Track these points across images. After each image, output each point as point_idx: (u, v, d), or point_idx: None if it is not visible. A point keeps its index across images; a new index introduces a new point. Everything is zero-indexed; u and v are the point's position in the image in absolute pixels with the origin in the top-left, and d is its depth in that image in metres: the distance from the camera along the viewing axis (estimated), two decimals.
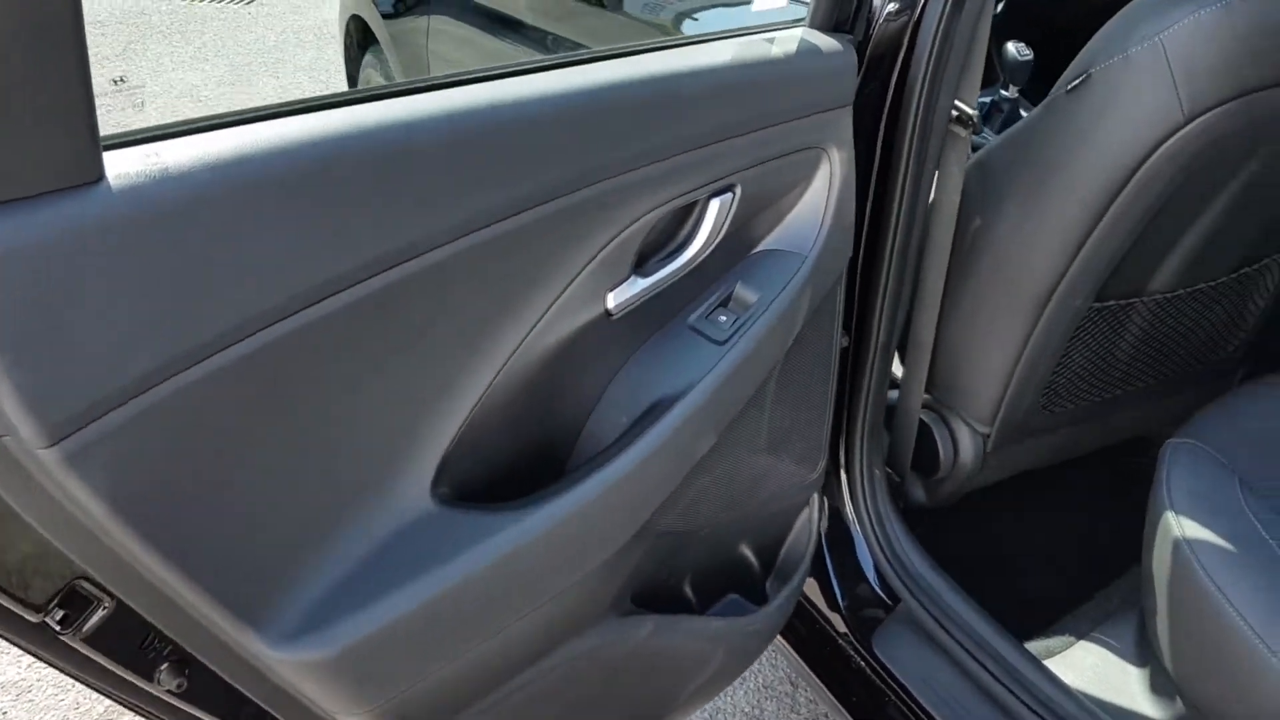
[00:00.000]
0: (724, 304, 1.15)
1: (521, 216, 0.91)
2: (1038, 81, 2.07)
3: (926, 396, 1.63)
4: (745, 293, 1.15)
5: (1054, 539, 1.81)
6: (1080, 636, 1.52)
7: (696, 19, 2.07)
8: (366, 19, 2.63)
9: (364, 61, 2.77)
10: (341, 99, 0.84)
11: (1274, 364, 1.92)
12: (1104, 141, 1.31)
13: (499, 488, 1.03)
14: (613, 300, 1.04)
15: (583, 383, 1.08)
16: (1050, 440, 1.72)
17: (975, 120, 1.35)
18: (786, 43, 1.11)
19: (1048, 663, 1.47)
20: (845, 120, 1.18)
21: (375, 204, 0.80)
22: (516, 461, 1.05)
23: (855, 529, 1.57)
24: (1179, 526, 1.30)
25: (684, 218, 1.09)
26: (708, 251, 1.10)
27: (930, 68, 1.27)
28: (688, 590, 1.33)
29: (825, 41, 1.14)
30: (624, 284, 1.05)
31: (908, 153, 1.32)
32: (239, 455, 0.79)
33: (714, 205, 1.09)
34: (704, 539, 1.29)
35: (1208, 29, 1.23)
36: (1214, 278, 1.57)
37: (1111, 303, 1.50)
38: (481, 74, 0.92)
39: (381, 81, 2.74)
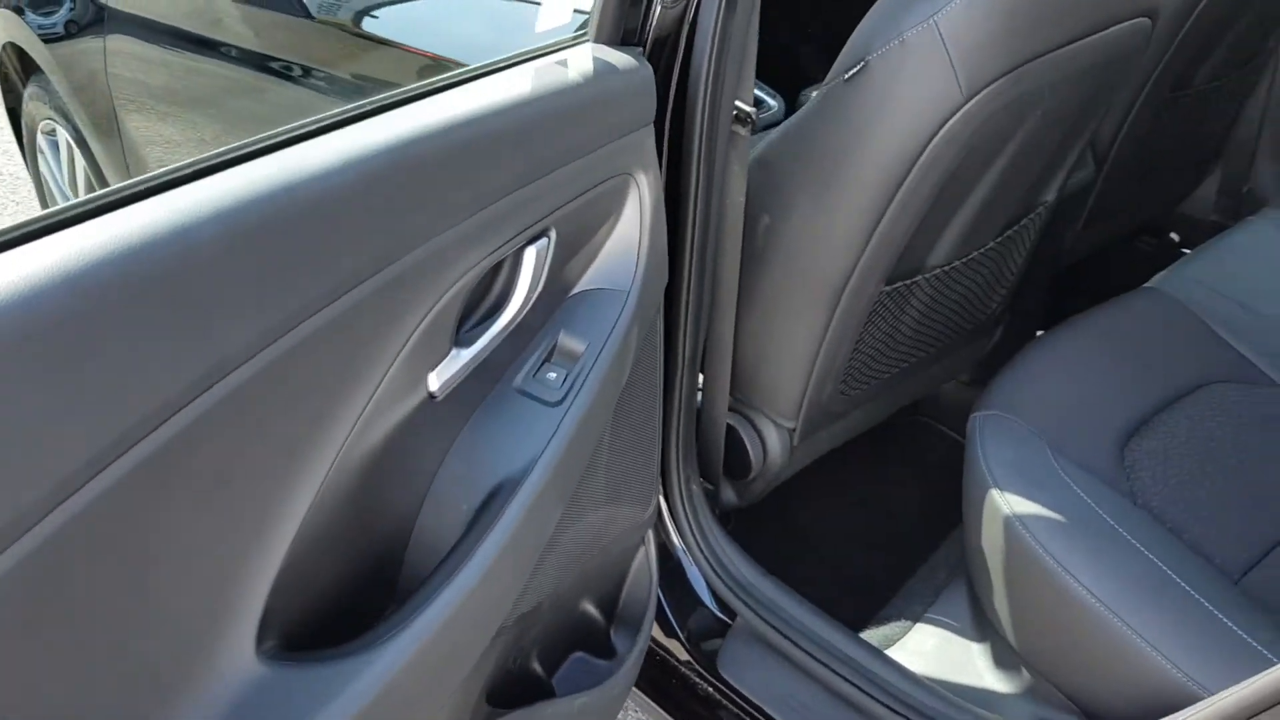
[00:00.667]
0: (549, 358, 1.03)
1: (324, 312, 0.76)
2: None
3: (730, 400, 1.58)
4: (571, 342, 1.03)
5: (860, 517, 1.82)
6: (915, 619, 1.53)
7: (377, 16, 1.90)
8: (23, 44, 2.28)
9: (27, 94, 2.40)
10: (78, 210, 0.65)
11: (1027, 316, 2.01)
12: (888, 128, 1.29)
13: (338, 623, 0.87)
14: (435, 381, 0.90)
15: (412, 481, 0.93)
16: (846, 422, 1.72)
17: (754, 118, 1.28)
18: (579, 64, 1.00)
19: (890, 652, 1.47)
20: (649, 141, 1.08)
21: (142, 342, 0.63)
22: (352, 588, 0.89)
23: (681, 551, 1.50)
24: (1006, 503, 1.31)
25: (498, 274, 0.96)
26: (529, 307, 0.97)
27: (711, 69, 1.19)
28: (535, 665, 1.22)
29: (619, 58, 1.04)
30: (445, 360, 0.91)
31: (697, 159, 1.24)
32: (23, 666, 0.61)
33: (529, 255, 0.96)
34: (546, 609, 1.18)
35: (980, 6, 1.22)
36: (983, 244, 1.59)
37: (898, 284, 1.50)
38: (251, 147, 0.75)
39: (50, 112, 2.38)
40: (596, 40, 1.05)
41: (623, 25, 1.06)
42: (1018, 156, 1.45)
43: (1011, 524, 1.29)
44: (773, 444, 1.59)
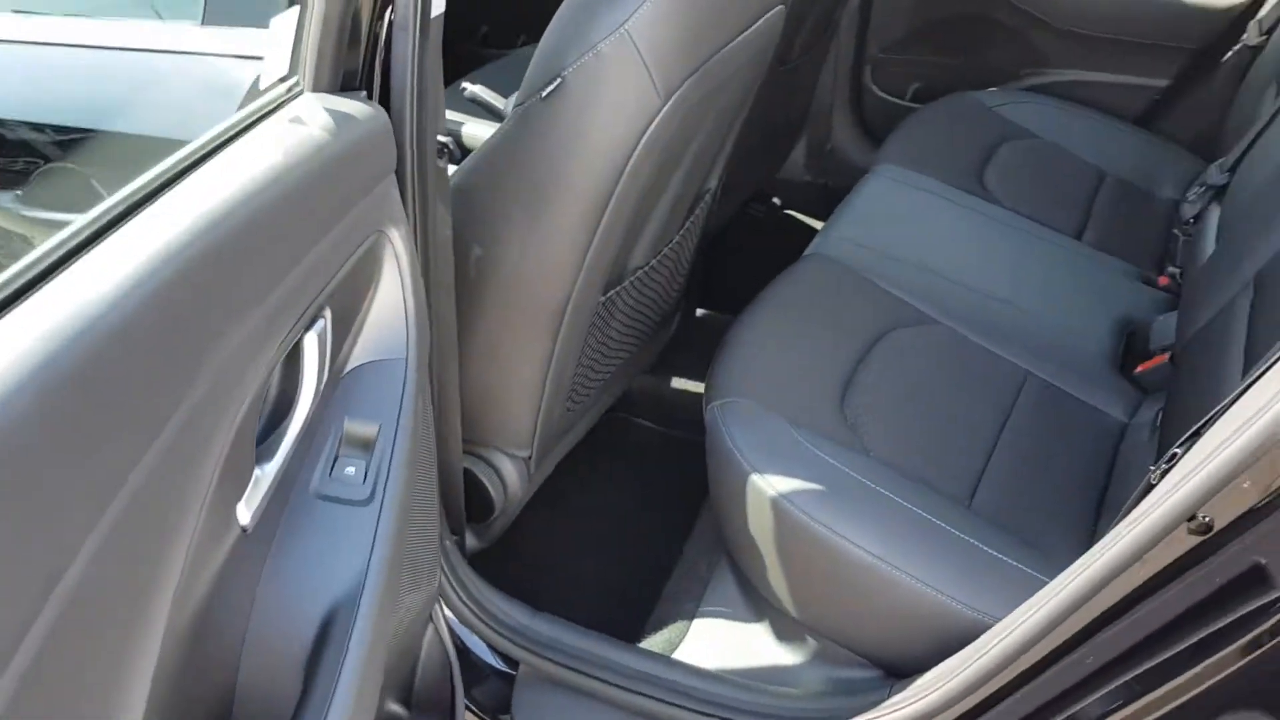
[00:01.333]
0: (340, 451, 0.91)
1: (127, 486, 0.61)
2: None
3: (462, 442, 1.50)
4: (360, 428, 0.92)
5: (596, 527, 1.80)
6: (691, 617, 1.54)
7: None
8: None
9: None
10: None
11: (688, 296, 2.08)
12: (594, 141, 1.27)
13: None
14: (245, 513, 0.77)
15: (229, 635, 0.79)
16: (570, 435, 1.69)
17: (451, 148, 1.21)
18: (310, 120, 0.88)
19: (677, 655, 1.47)
20: (394, 192, 0.98)
21: None
22: None
23: (451, 611, 1.40)
24: (769, 485, 1.34)
25: (279, 372, 0.83)
26: (318, 400, 0.85)
27: (414, 103, 1.11)
28: None
29: (352, 106, 0.93)
30: (250, 486, 0.77)
31: (412, 199, 1.15)
32: None
33: (310, 344, 0.84)
34: None
35: (665, 11, 1.22)
36: (671, 239, 1.63)
37: (610, 292, 1.49)
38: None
39: None
40: (315, 89, 0.93)
41: (342, 68, 0.95)
42: (700, 152, 1.48)
43: (779, 503, 1.33)
44: (511, 478, 1.53)
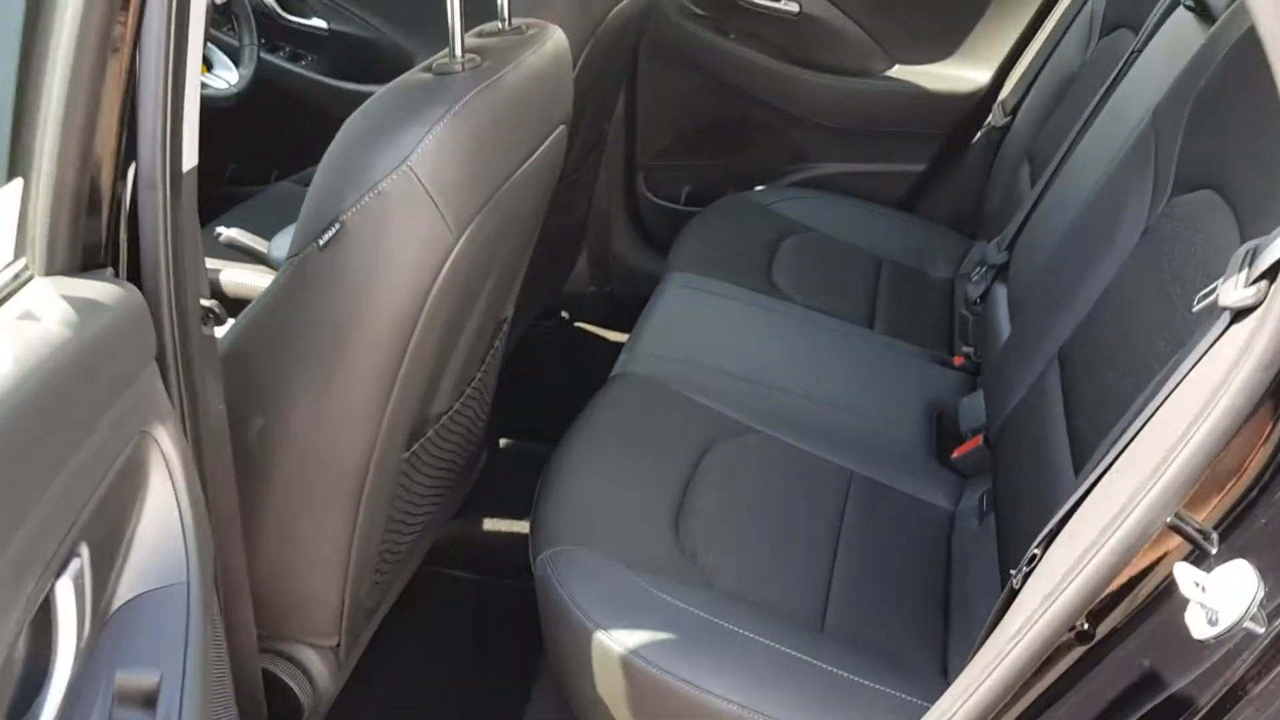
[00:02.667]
0: (112, 715, 0.73)
1: None
2: None
3: (258, 641, 1.31)
4: (137, 680, 0.74)
5: (421, 705, 1.62)
6: None
7: None
8: None
9: None
10: None
11: (491, 432, 1.96)
12: (384, 289, 1.14)
13: None
14: None
15: None
16: (380, 610, 1.52)
17: (216, 311, 1.06)
18: (48, 314, 0.72)
19: None
20: (156, 382, 0.82)
21: None
22: None
23: None
24: (616, 641, 1.23)
25: (32, 630, 0.66)
26: (82, 655, 0.68)
27: (171, 272, 0.95)
28: None
29: (97, 289, 0.77)
30: None
31: (178, 381, 0.99)
32: None
33: (64, 591, 0.67)
34: None
35: (448, 144, 1.13)
36: (474, 377, 1.51)
37: (414, 446, 1.35)
38: None
39: None
40: (49, 273, 0.77)
41: (81, 243, 0.79)
42: (498, 284, 1.38)
43: (630, 661, 1.22)
44: (320, 673, 1.35)
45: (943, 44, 2.37)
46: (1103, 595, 0.93)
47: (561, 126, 1.42)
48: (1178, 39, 1.55)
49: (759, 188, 2.40)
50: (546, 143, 1.36)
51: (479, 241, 1.20)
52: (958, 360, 1.90)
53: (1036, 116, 2.11)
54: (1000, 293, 1.75)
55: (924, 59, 2.38)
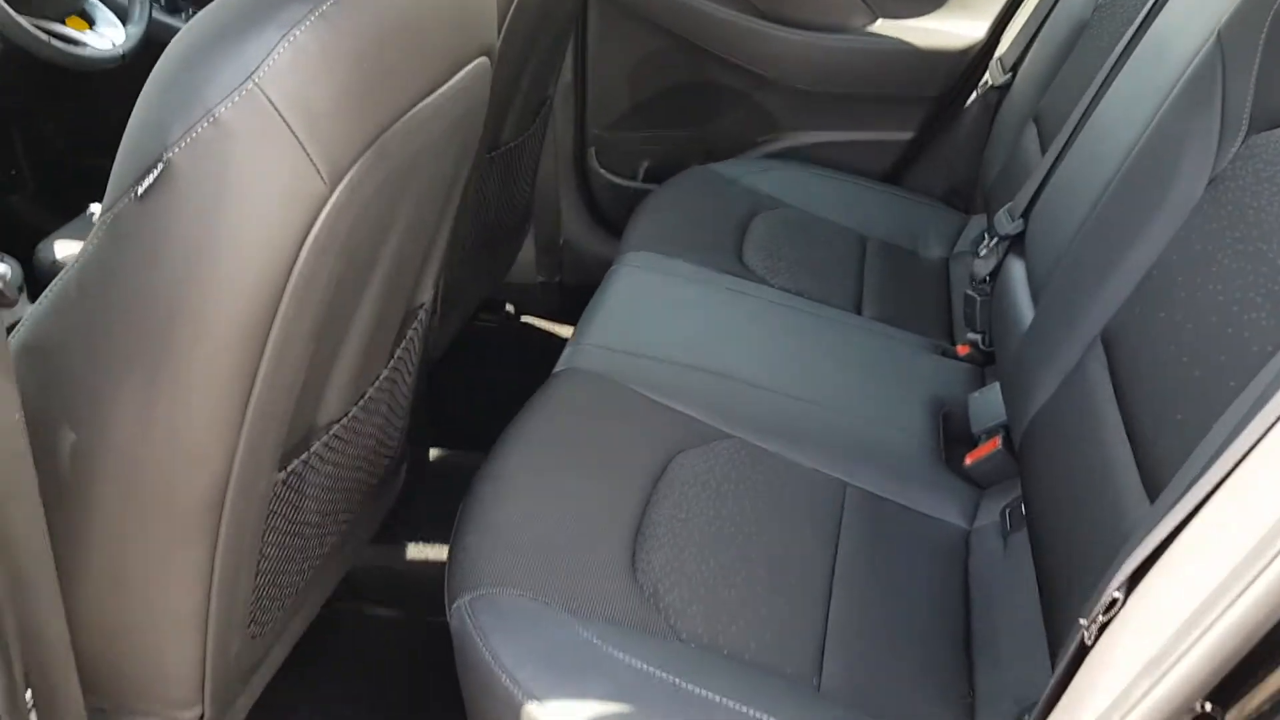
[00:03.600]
0: None
1: None
2: None
3: (91, 715, 1.00)
4: None
5: None
6: None
7: None
8: None
9: None
10: None
11: (419, 444, 1.67)
12: (230, 253, 0.84)
13: None
14: None
15: None
16: (265, 665, 1.22)
17: (5, 286, 0.77)
18: None
19: None
20: None
21: None
22: None
23: None
24: (552, 714, 0.94)
25: None
26: None
27: None
28: None
29: None
30: None
31: None
32: None
33: None
34: None
35: (314, 57, 0.83)
36: (376, 377, 1.21)
37: (294, 463, 1.05)
38: None
39: None
40: None
41: None
42: (400, 256, 1.09)
43: None
44: None
45: None
46: (1233, 668, 0.66)
47: (482, 59, 1.13)
48: None
49: (726, 161, 2.12)
50: (460, 75, 1.06)
51: (365, 195, 0.91)
52: (962, 349, 1.63)
53: (1042, 72, 1.84)
54: (1016, 268, 1.48)
55: (911, 13, 2.11)
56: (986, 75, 2.04)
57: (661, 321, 1.54)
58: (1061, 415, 1.18)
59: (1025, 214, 1.51)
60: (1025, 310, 1.39)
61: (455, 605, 1.05)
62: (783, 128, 2.19)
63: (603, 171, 2.29)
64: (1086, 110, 1.46)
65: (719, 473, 1.27)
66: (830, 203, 1.99)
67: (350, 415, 1.16)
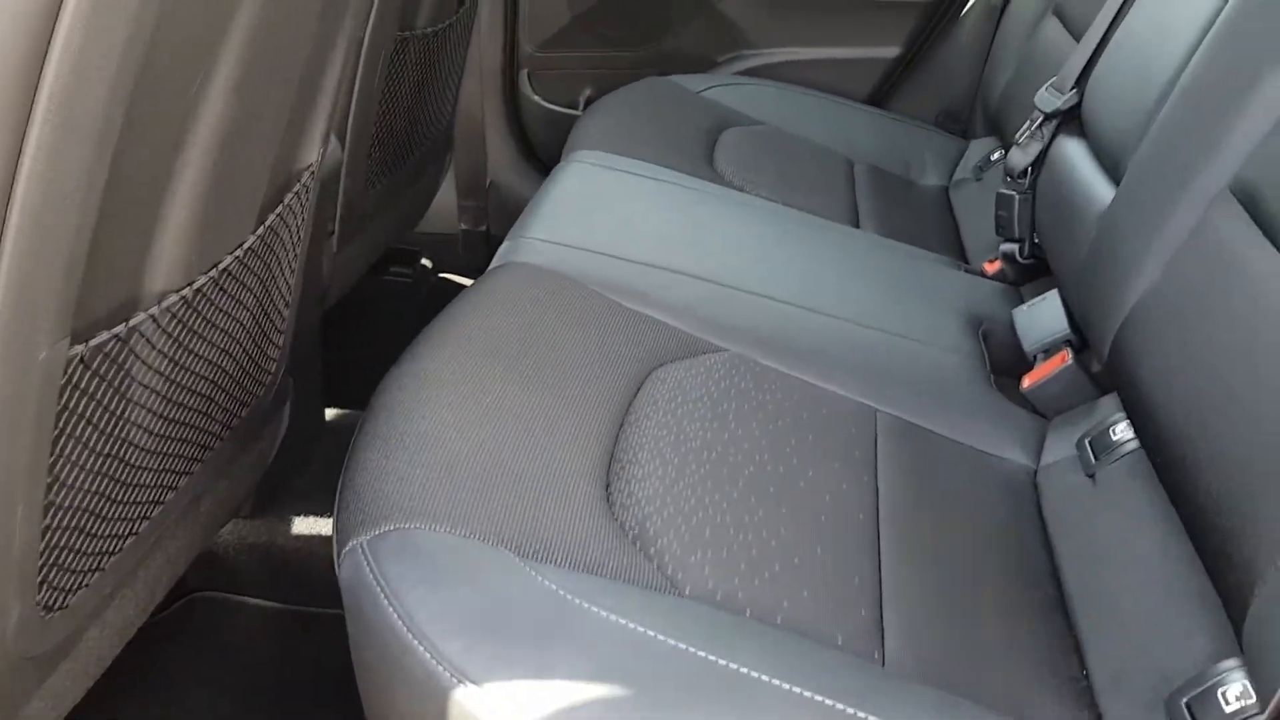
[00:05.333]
0: None
1: None
2: None
3: None
4: None
5: None
6: None
7: None
8: None
9: None
10: None
11: (310, 395, 1.31)
12: None
13: None
14: None
15: None
16: (73, 668, 0.84)
17: None
18: None
19: None
20: None
21: None
22: None
23: None
24: (495, 707, 0.59)
25: None
26: None
27: None
28: None
29: None
30: None
31: None
32: None
33: None
34: None
35: None
36: (242, 241, 0.85)
37: (105, 338, 0.69)
38: None
39: None
40: None
41: None
42: (257, 62, 0.74)
43: None
44: None
45: None
46: None
47: None
48: None
49: (688, 75, 1.80)
50: None
51: None
52: (990, 266, 1.33)
53: None
54: (1073, 149, 1.18)
55: None
56: None
57: (625, 219, 1.21)
58: (1187, 296, 0.87)
59: (1078, 85, 1.21)
60: (1093, 186, 1.09)
61: (347, 549, 0.70)
62: (748, 43, 1.89)
63: (537, 98, 1.95)
64: None
65: (714, 391, 0.94)
66: (810, 122, 1.69)
67: (196, 287, 0.80)
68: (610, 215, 1.20)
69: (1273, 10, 0.92)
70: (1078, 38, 1.42)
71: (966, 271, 1.33)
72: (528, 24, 1.89)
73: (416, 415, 0.83)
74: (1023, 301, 1.29)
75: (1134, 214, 0.97)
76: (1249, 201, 0.85)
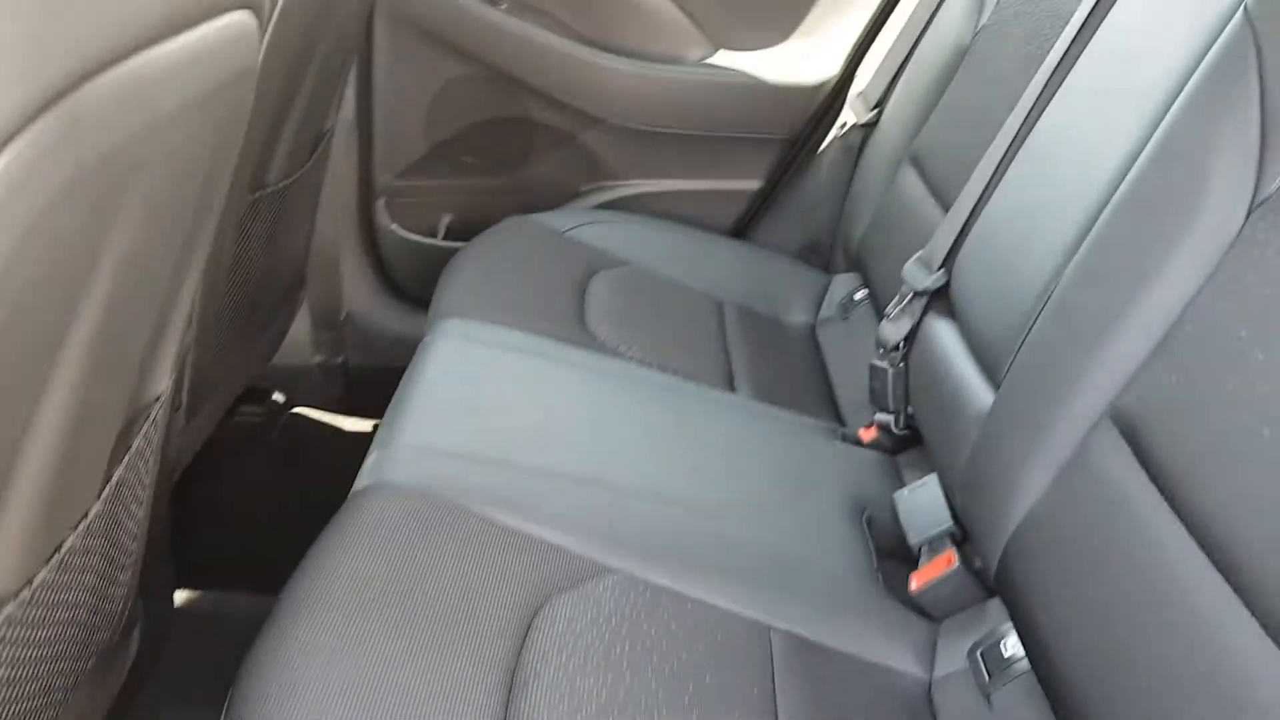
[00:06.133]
0: None
1: None
2: None
3: None
4: None
5: None
6: None
7: None
8: None
9: None
10: None
11: (188, 573, 1.20)
12: None
13: None
14: None
15: None
16: None
17: None
18: None
19: None
20: None
21: None
22: None
23: None
24: None
25: None
26: None
27: None
28: None
29: None
30: None
31: None
32: None
33: None
34: None
35: None
36: (80, 517, 0.77)
37: None
38: None
39: None
40: None
41: None
42: (116, 300, 0.67)
43: None
44: None
45: (776, 23, 1.83)
46: None
47: (242, 13, 0.73)
48: None
49: (550, 212, 1.77)
50: (207, 28, 0.67)
51: (52, 180, 0.50)
52: (866, 433, 1.32)
53: (914, 108, 1.59)
54: (942, 331, 1.19)
55: (755, 43, 1.84)
56: (846, 114, 1.78)
57: (497, 410, 1.15)
58: (1071, 523, 0.87)
59: (946, 264, 1.22)
60: (969, 382, 1.09)
61: None
62: (612, 175, 1.87)
63: (394, 228, 1.89)
64: (1016, 137, 1.19)
65: (606, 632, 0.90)
66: (676, 261, 1.67)
67: (36, 584, 0.71)
68: (484, 409, 1.15)
69: (1145, 222, 0.93)
70: (933, 192, 1.44)
71: (844, 439, 1.33)
72: (384, 155, 1.83)
73: (288, 695, 0.76)
74: (899, 470, 1.29)
75: (1015, 428, 0.97)
76: (1128, 432, 0.85)
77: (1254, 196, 0.83)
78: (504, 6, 1.77)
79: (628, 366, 1.33)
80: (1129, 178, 0.94)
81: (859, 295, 1.64)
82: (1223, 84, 0.88)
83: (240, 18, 0.72)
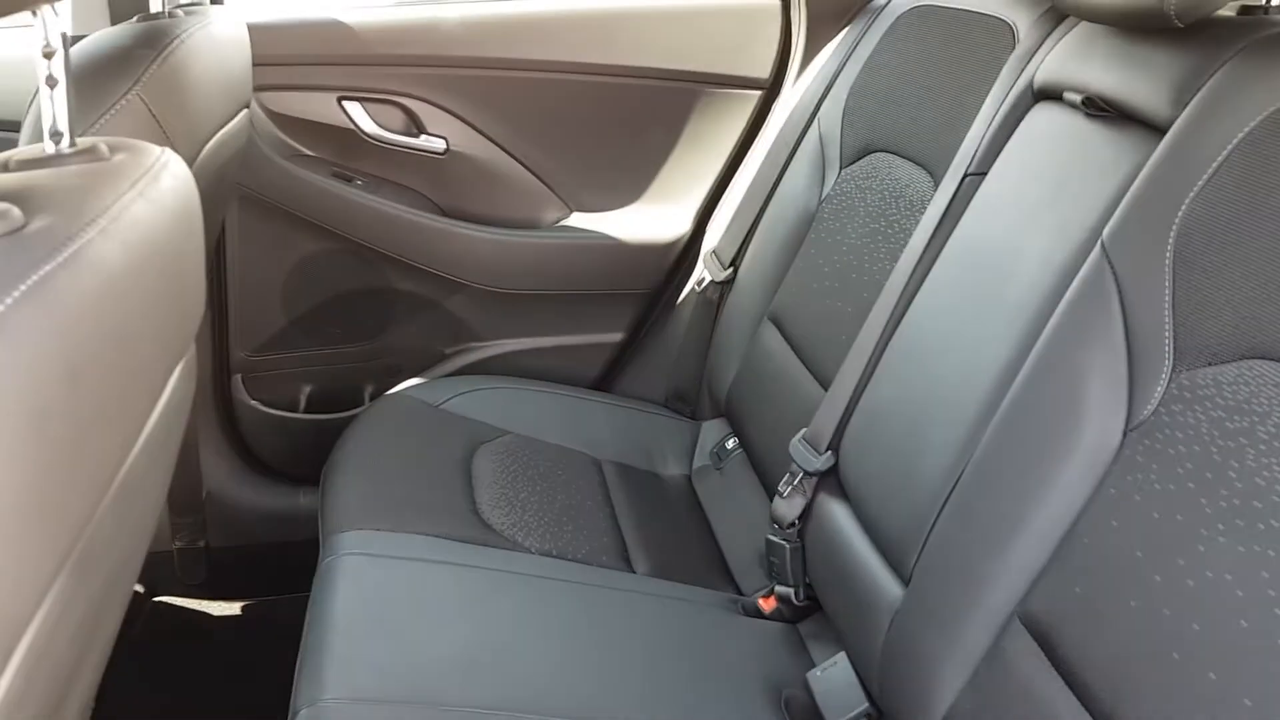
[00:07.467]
0: None
1: None
2: None
3: None
4: None
5: None
6: None
7: None
8: None
9: None
10: None
11: None
12: None
13: None
14: None
15: None
16: None
17: None
18: None
19: None
20: None
21: None
22: None
23: None
24: None
25: None
26: None
27: None
28: None
29: None
30: None
31: None
32: None
33: None
34: None
35: None
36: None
37: None
38: None
39: None
40: None
41: None
42: None
43: None
44: None
45: (625, 187, 1.90)
46: None
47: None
48: (1087, 150, 1.13)
49: (413, 381, 1.76)
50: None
51: None
52: (766, 603, 1.37)
53: (770, 269, 1.67)
54: (836, 511, 1.25)
55: (607, 205, 1.90)
56: (700, 270, 1.86)
57: (412, 643, 1.14)
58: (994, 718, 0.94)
59: (833, 446, 1.29)
60: (875, 573, 1.15)
61: None
62: (476, 337, 1.88)
63: (254, 403, 1.84)
64: (887, 325, 1.28)
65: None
66: (550, 424, 1.70)
67: None
68: (400, 642, 1.13)
69: (1031, 436, 0.99)
70: (796, 352, 1.51)
71: (744, 610, 1.37)
72: (239, 330, 1.79)
73: None
74: (801, 638, 1.35)
75: (928, 626, 1.04)
76: (1039, 636, 0.93)
77: (1128, 419, 0.92)
78: (360, 184, 1.77)
79: (529, 561, 1.34)
80: (1011, 394, 1.02)
81: (730, 444, 1.71)
82: (1088, 314, 0.97)
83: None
